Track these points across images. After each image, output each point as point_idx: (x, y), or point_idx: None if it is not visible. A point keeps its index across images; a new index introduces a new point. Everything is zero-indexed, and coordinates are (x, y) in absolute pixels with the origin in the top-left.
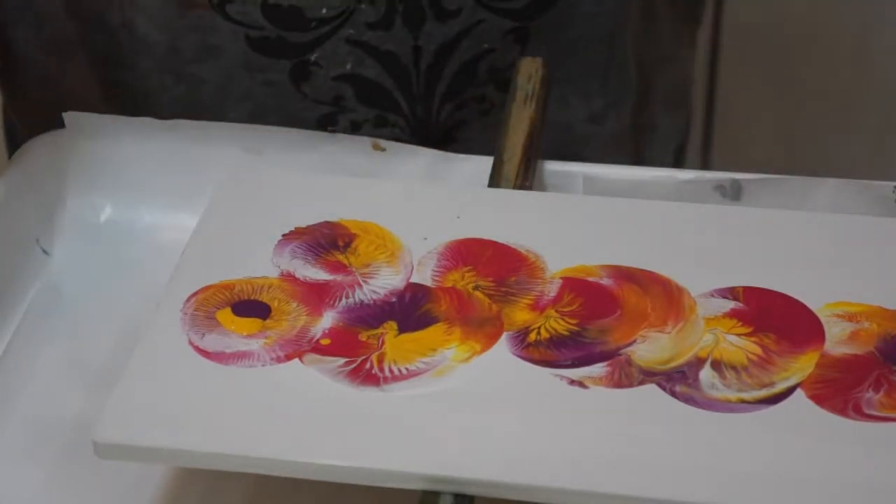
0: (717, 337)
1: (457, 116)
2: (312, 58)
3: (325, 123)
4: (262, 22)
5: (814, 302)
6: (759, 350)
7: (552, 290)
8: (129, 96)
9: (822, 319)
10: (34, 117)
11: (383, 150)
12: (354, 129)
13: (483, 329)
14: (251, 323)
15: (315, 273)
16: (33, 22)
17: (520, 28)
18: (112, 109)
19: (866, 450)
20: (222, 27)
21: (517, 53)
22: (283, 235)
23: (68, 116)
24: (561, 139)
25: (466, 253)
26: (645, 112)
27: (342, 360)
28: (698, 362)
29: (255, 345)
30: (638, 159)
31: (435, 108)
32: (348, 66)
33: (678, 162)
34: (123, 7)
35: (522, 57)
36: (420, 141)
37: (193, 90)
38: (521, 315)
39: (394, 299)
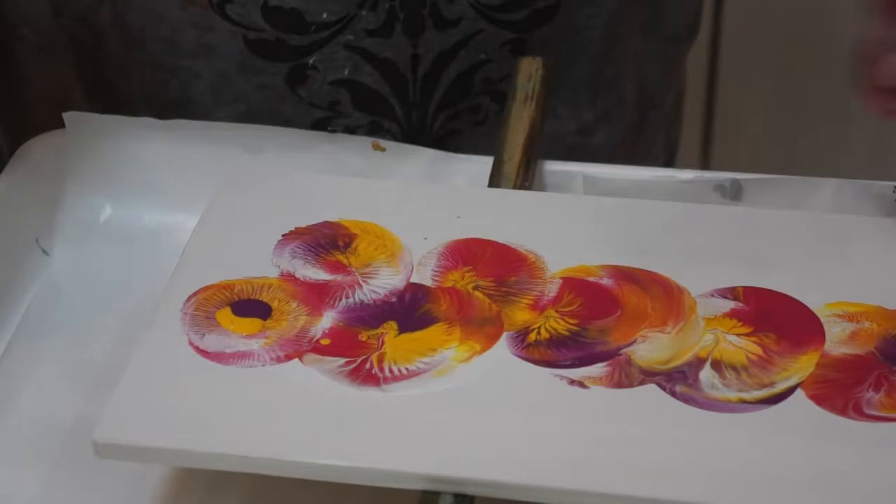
0: (717, 337)
1: (450, 126)
2: (310, 61)
3: (320, 128)
4: (262, 24)
5: (814, 302)
6: (759, 350)
7: (552, 290)
8: (117, 94)
9: (822, 319)
10: (19, 118)
11: (383, 149)
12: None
13: (483, 329)
14: (251, 323)
15: (315, 273)
16: (20, 21)
17: (517, 39)
18: (98, 108)
19: (866, 450)
20: (220, 27)
21: (513, 65)
22: (283, 235)
23: (68, 116)
24: (549, 150)
25: (466, 253)
26: (638, 127)
27: (342, 360)
28: (698, 362)
29: (255, 345)
30: None
31: (430, 117)
32: (346, 72)
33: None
34: (115, 3)
35: (521, 57)
36: None
37: (186, 88)
38: (521, 315)
39: (394, 299)
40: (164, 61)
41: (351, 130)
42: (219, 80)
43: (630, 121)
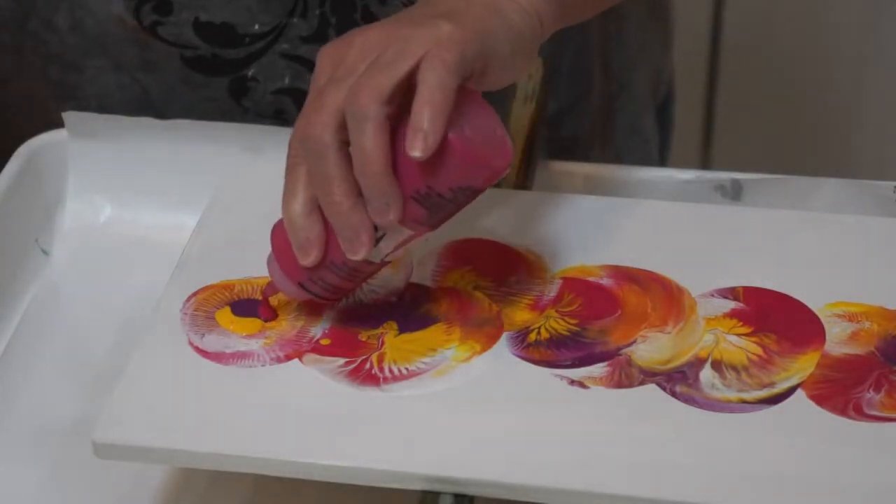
0: (717, 337)
1: None
2: (249, 73)
3: None
4: (196, 41)
5: (814, 302)
6: (759, 350)
7: (552, 290)
8: (81, 97)
9: (823, 319)
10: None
11: None
12: None
13: (483, 329)
14: (251, 323)
15: None
16: None
17: None
18: (66, 109)
19: (866, 450)
20: (157, 46)
21: None
22: None
23: (68, 116)
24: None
25: (466, 253)
26: (615, 114)
27: (342, 360)
28: (698, 362)
29: (254, 345)
30: (615, 161)
31: None
32: (286, 80)
33: (663, 161)
34: (73, 10)
35: None
36: None
37: (140, 100)
38: (521, 315)
39: (394, 299)
40: (116, 74)
41: None
42: (167, 93)
43: (599, 108)
